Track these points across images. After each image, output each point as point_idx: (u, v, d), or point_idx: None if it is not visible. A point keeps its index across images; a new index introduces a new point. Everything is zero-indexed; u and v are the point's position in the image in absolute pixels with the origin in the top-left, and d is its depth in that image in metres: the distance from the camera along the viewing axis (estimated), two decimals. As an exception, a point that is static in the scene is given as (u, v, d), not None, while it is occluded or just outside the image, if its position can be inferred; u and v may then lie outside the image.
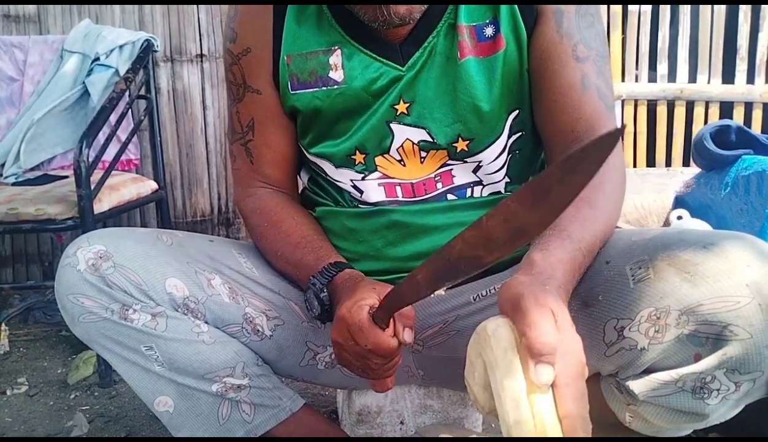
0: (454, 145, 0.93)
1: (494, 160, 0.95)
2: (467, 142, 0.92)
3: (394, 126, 0.93)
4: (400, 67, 0.91)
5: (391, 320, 0.77)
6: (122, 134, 2.15)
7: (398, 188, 0.96)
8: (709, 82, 2.70)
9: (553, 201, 0.51)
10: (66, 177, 1.98)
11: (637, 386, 0.76)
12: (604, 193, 0.80)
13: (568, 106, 0.88)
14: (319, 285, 0.88)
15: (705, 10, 2.67)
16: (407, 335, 0.78)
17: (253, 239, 1.04)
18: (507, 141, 0.94)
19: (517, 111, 0.93)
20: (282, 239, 0.97)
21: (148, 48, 2.18)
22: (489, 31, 0.90)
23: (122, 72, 2.13)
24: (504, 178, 0.97)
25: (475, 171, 0.95)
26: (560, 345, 0.58)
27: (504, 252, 0.57)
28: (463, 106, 0.91)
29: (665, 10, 2.68)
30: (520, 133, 0.95)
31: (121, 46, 2.18)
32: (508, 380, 0.58)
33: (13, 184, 2.00)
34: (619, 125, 1.01)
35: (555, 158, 0.91)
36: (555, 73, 0.88)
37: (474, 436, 1.03)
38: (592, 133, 0.87)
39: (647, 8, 2.66)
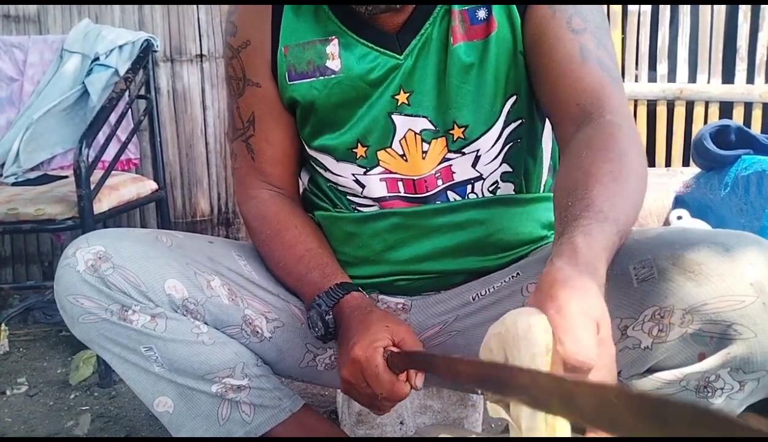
0: (451, 132, 0.92)
1: (491, 147, 0.93)
2: (462, 129, 0.92)
3: (395, 117, 0.92)
4: (398, 56, 0.91)
5: None
6: (122, 134, 2.15)
7: (400, 184, 0.96)
8: (708, 82, 2.70)
9: None
10: (66, 177, 1.98)
11: (641, 385, 0.76)
12: (631, 167, 0.73)
13: (569, 79, 0.83)
14: (325, 307, 0.88)
15: (705, 10, 2.67)
16: (419, 381, 0.79)
17: (254, 244, 1.03)
18: (503, 128, 0.93)
19: (515, 97, 0.92)
20: (285, 250, 0.96)
21: (148, 48, 2.18)
22: (482, 13, 0.89)
23: (122, 72, 2.13)
24: (500, 166, 0.95)
25: (474, 164, 0.95)
26: (598, 359, 0.54)
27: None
28: (456, 92, 0.90)
29: (665, 10, 2.68)
30: (519, 121, 0.94)
31: (120, 46, 2.18)
32: None
33: (13, 184, 2.00)
34: (627, 98, 0.95)
35: (564, 136, 0.85)
36: (551, 47, 0.85)
37: (474, 436, 1.03)
38: (599, 104, 0.81)
39: (647, 8, 2.66)
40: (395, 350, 0.80)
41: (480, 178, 0.95)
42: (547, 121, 0.99)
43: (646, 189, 0.76)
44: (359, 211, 0.99)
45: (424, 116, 0.92)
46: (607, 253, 0.63)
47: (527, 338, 0.54)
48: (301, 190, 1.09)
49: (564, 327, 0.54)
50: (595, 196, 0.67)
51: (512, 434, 0.56)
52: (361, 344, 0.79)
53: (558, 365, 0.54)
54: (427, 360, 0.72)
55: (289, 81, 0.95)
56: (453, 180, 0.95)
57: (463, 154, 0.93)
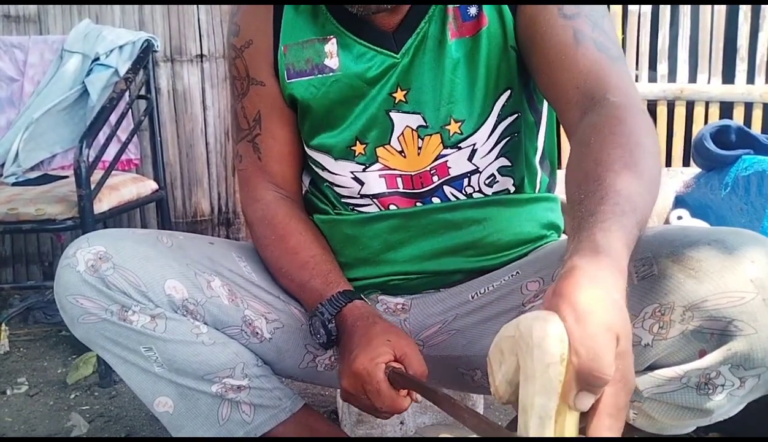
0: (447, 127, 0.92)
1: (486, 140, 0.94)
2: (459, 123, 0.92)
3: (393, 115, 0.93)
4: (395, 55, 0.91)
5: None
6: (122, 134, 2.15)
7: (399, 180, 0.96)
8: (709, 82, 2.70)
9: None
10: (66, 177, 1.98)
11: (642, 382, 0.75)
12: (643, 148, 0.69)
13: (564, 64, 0.82)
14: (328, 315, 0.88)
15: (705, 10, 2.67)
16: (420, 396, 0.80)
17: (257, 248, 1.03)
18: (498, 122, 0.93)
19: (509, 91, 0.92)
20: (288, 256, 0.97)
21: (148, 48, 2.18)
22: (473, 10, 0.89)
23: (122, 72, 2.13)
24: (497, 160, 0.95)
25: (470, 158, 0.95)
26: (614, 372, 0.51)
27: None
28: (451, 87, 0.90)
29: (665, 10, 2.68)
30: (515, 115, 0.94)
31: (121, 46, 2.18)
32: (541, 398, 0.52)
33: (13, 184, 2.00)
34: (632, 74, 0.95)
35: (571, 124, 0.81)
36: (544, 34, 0.84)
37: (474, 436, 1.03)
38: (600, 85, 0.78)
39: (647, 8, 2.66)
40: (397, 366, 0.80)
41: (476, 171, 0.95)
42: (542, 117, 1.00)
43: (662, 167, 0.71)
44: (358, 211, 0.99)
45: (419, 113, 0.92)
46: (628, 249, 0.59)
47: (541, 347, 0.52)
48: (303, 192, 1.10)
49: (582, 340, 0.51)
50: (609, 187, 0.63)
51: (520, 431, 0.54)
52: (362, 359, 0.80)
53: (571, 376, 0.51)
54: (429, 394, 0.72)
55: (288, 79, 0.96)
56: (449, 175, 0.95)
57: (460, 148, 0.94)
